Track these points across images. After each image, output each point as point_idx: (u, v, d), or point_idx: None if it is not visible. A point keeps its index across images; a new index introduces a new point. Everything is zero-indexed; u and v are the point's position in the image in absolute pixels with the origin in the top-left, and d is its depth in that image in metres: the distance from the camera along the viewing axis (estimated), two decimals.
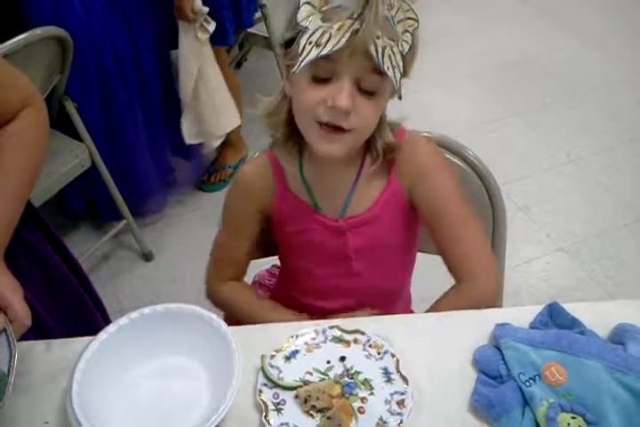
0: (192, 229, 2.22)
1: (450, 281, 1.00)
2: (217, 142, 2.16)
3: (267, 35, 2.25)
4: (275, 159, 1.00)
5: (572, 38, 3.13)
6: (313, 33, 0.77)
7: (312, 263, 1.06)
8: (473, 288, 0.95)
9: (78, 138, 1.75)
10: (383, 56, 0.77)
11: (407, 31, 0.80)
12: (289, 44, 0.83)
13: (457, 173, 1.07)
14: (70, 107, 1.70)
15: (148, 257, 2.11)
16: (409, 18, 0.80)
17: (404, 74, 0.83)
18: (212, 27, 1.85)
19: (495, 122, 2.65)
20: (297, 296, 1.11)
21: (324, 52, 0.76)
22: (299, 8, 0.78)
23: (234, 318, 1.09)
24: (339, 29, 0.76)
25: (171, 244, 2.17)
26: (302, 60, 0.78)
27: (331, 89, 0.81)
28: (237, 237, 1.07)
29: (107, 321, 1.22)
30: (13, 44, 1.39)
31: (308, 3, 0.78)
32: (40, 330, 0.93)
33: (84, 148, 1.76)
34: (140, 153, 1.99)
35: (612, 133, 2.57)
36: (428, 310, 0.98)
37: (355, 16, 0.75)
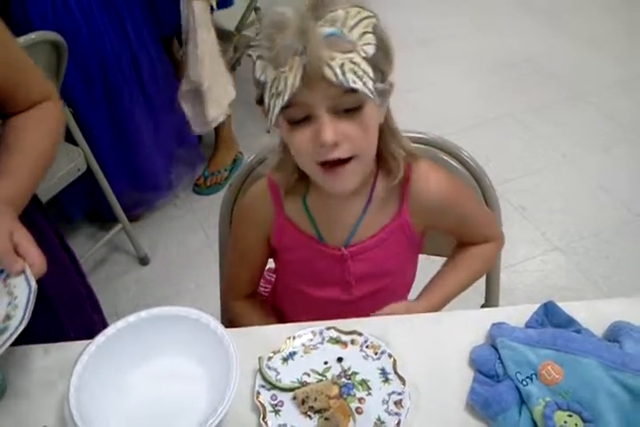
0: (188, 232, 2.22)
1: None
2: (226, 113, 2.16)
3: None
4: (274, 187, 0.97)
5: (568, 39, 3.14)
6: (271, 85, 0.75)
7: (310, 287, 1.04)
8: (494, 247, 1.08)
9: (74, 142, 1.75)
10: (344, 73, 0.72)
11: (367, 33, 0.75)
12: (260, 101, 0.80)
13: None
14: (66, 111, 1.70)
15: (143, 261, 2.11)
16: (363, 18, 0.76)
17: (385, 73, 0.79)
18: None
19: (491, 122, 2.66)
20: (290, 316, 1.11)
21: (285, 98, 0.73)
22: (254, 65, 0.77)
23: None
24: (290, 70, 0.73)
25: (166, 247, 2.17)
26: (271, 117, 0.76)
27: (311, 128, 0.78)
28: (245, 260, 1.07)
29: (103, 322, 1.25)
30: None
31: (259, 57, 0.76)
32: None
33: (80, 152, 1.76)
34: (144, 151, 2.01)
35: (607, 134, 2.58)
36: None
37: (300, 51, 0.72)
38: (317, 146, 0.78)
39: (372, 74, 0.75)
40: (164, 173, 2.15)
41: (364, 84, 0.74)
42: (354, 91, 0.74)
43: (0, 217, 0.79)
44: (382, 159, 0.91)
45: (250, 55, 0.77)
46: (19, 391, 0.80)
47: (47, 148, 0.94)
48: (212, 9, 1.96)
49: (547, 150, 2.51)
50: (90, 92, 1.78)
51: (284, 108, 0.75)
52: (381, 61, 0.78)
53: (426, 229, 1.01)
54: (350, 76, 0.73)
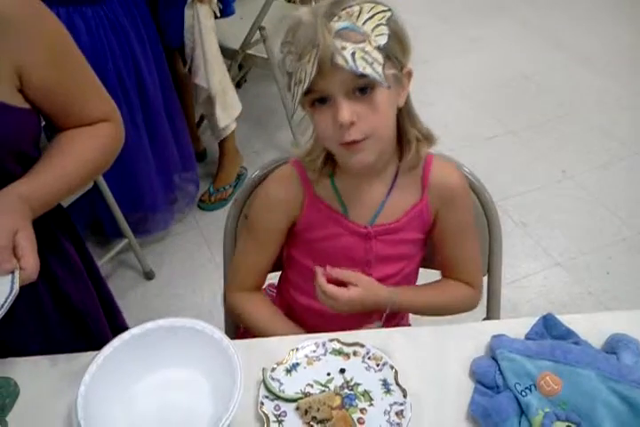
0: (192, 247, 2.23)
1: None
2: (234, 125, 2.24)
3: (266, 56, 2.29)
4: (302, 169, 1.03)
5: (566, 56, 3.18)
6: (294, 74, 0.83)
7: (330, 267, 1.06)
8: (473, 294, 1.11)
9: None
10: (355, 60, 0.80)
11: (380, 25, 0.83)
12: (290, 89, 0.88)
13: None
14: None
15: (149, 275, 2.12)
16: (378, 12, 0.84)
17: (400, 60, 0.87)
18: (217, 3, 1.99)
19: (491, 139, 2.68)
20: (301, 301, 1.12)
21: (305, 86, 0.81)
22: (284, 59, 0.86)
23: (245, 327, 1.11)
24: (309, 61, 0.81)
25: (171, 262, 2.19)
26: (295, 102, 0.85)
27: (330, 110, 0.86)
28: (263, 248, 1.09)
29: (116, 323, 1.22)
30: None
31: (288, 52, 0.85)
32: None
33: None
34: (145, 169, 2.02)
35: (607, 150, 2.60)
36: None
37: (317, 43, 0.80)
38: (336, 126, 0.85)
39: (381, 60, 0.82)
40: (163, 195, 2.15)
41: (374, 69, 0.81)
42: (364, 76, 0.81)
43: (11, 213, 0.78)
44: (403, 143, 0.98)
45: (281, 51, 0.86)
46: (28, 400, 0.82)
47: (91, 158, 0.93)
48: (215, 16, 2.02)
49: (547, 167, 2.53)
50: None
51: (306, 94, 0.83)
52: (395, 50, 0.86)
53: (434, 223, 1.06)
54: (360, 62, 0.80)
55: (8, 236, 0.76)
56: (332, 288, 0.95)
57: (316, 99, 0.86)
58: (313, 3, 2.67)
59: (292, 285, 1.15)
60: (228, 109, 2.16)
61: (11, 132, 0.84)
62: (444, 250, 1.09)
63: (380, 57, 0.82)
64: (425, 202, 1.03)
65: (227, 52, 2.35)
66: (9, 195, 0.80)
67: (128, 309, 2.00)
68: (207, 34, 1.98)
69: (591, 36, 3.33)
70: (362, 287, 0.97)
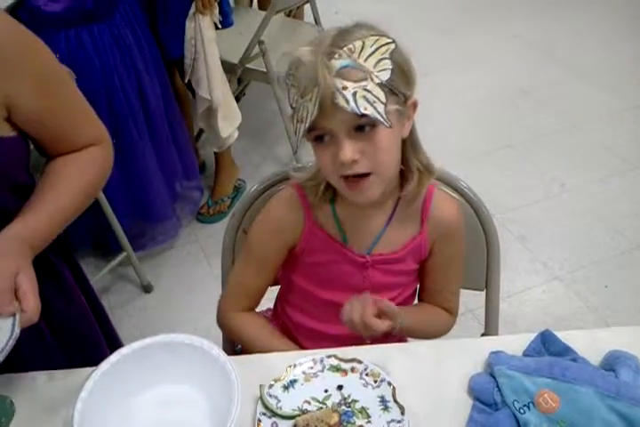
0: (191, 260, 2.23)
1: None
2: (236, 134, 2.26)
3: (265, 70, 2.31)
4: (303, 194, 1.02)
5: (564, 70, 3.20)
6: (297, 112, 0.84)
7: (325, 291, 1.07)
8: (450, 320, 1.14)
9: None
10: (356, 101, 0.79)
11: (383, 59, 0.83)
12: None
13: None
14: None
15: (147, 289, 2.12)
16: (381, 46, 0.83)
17: (405, 94, 0.86)
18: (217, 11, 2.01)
19: (490, 153, 2.69)
20: (297, 320, 1.12)
21: (307, 125, 0.82)
22: (288, 92, 0.86)
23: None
24: (310, 100, 0.81)
25: (170, 275, 2.19)
26: (296, 140, 0.84)
27: (332, 147, 0.86)
28: (261, 271, 1.08)
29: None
30: None
31: (292, 86, 0.85)
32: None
33: None
34: (152, 180, 2.04)
35: (606, 164, 2.61)
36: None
37: (319, 81, 0.80)
38: (338, 164, 0.86)
39: (383, 98, 0.81)
40: (168, 205, 2.17)
41: (375, 108, 0.80)
42: (365, 115, 0.81)
43: (11, 256, 0.79)
44: (405, 173, 0.98)
45: (286, 83, 0.86)
46: (24, 417, 0.81)
47: (84, 187, 0.93)
48: (216, 27, 2.04)
49: (545, 180, 2.54)
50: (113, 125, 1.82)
51: (308, 131, 0.84)
52: (399, 84, 0.85)
53: (429, 255, 1.07)
54: (361, 102, 0.80)
55: (9, 278, 0.76)
56: (376, 322, 0.92)
57: (318, 135, 0.86)
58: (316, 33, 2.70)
59: (288, 304, 1.14)
60: (229, 119, 2.18)
61: None
62: (430, 278, 1.11)
63: (382, 95, 0.81)
64: (424, 235, 1.03)
65: (226, 66, 2.36)
66: (8, 237, 0.81)
67: (126, 322, 2.01)
68: (209, 45, 2.00)
69: (590, 49, 3.35)
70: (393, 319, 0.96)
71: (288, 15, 2.88)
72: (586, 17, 3.64)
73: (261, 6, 2.92)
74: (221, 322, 1.12)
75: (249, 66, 2.34)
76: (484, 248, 1.20)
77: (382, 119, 0.81)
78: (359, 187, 0.89)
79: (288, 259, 1.09)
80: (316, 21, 2.81)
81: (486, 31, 3.55)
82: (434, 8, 3.79)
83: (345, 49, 0.82)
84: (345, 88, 0.80)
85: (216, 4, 1.96)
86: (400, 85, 0.85)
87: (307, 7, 2.81)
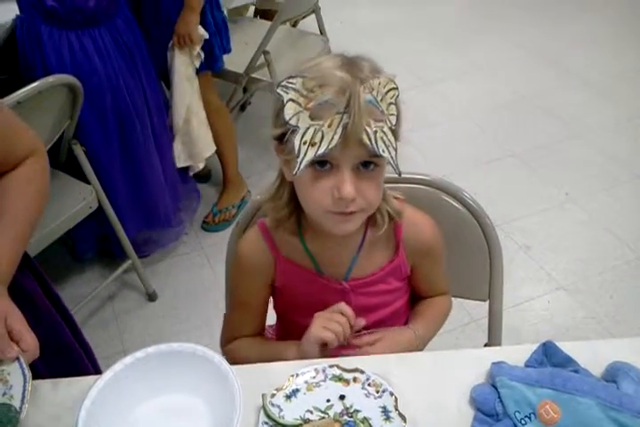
0: (196, 269, 2.24)
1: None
2: (202, 165, 2.25)
3: (270, 79, 2.33)
4: (267, 232, 1.02)
5: (568, 79, 3.21)
6: (305, 132, 0.79)
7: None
8: (448, 300, 1.17)
9: (85, 180, 1.80)
10: (377, 141, 0.79)
11: (391, 104, 0.82)
12: (280, 137, 0.85)
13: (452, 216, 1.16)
14: (78, 150, 1.76)
15: (152, 297, 2.13)
16: (390, 89, 0.81)
17: (397, 141, 0.85)
18: (202, 53, 2.00)
19: (494, 162, 2.70)
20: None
21: (320, 151, 0.78)
22: (283, 106, 0.80)
23: None
24: (329, 126, 0.78)
25: (174, 284, 2.19)
26: (301, 162, 0.80)
27: (333, 180, 0.83)
28: (247, 312, 1.09)
29: (96, 368, 1.23)
30: (27, 91, 1.45)
31: (291, 100, 0.80)
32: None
33: (92, 190, 1.80)
34: (157, 188, 2.06)
35: (610, 172, 2.61)
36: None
37: (342, 110, 0.77)
38: (335, 197, 0.84)
39: (395, 144, 0.82)
40: (173, 212, 2.19)
41: (389, 153, 0.81)
42: (377, 156, 0.81)
43: None
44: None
45: (279, 94, 0.81)
46: (29, 425, 0.82)
47: (36, 206, 0.94)
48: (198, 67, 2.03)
49: (550, 190, 2.54)
50: (104, 131, 1.83)
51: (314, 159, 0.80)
52: (398, 131, 0.84)
53: (411, 271, 1.08)
54: (380, 144, 0.80)
55: (1, 324, 0.78)
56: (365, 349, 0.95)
57: (318, 162, 0.83)
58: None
59: (287, 334, 1.14)
60: (191, 154, 2.18)
61: None
62: (419, 286, 1.12)
63: (393, 140, 0.81)
64: (402, 257, 1.03)
65: (231, 76, 2.39)
66: None
67: (130, 329, 2.02)
68: (179, 80, 2.00)
69: (594, 58, 3.36)
70: (386, 343, 0.98)
71: (293, 25, 2.90)
72: (589, 26, 3.66)
73: (264, 18, 2.94)
74: (225, 355, 1.12)
75: (254, 75, 2.37)
76: (487, 259, 1.20)
77: (395, 165, 0.81)
78: (346, 221, 0.88)
79: (273, 293, 1.09)
80: (321, 32, 2.84)
81: (490, 40, 3.58)
82: (436, 18, 3.82)
83: (372, 83, 0.80)
84: (368, 125, 0.79)
85: (195, 46, 1.95)
86: (398, 132, 0.84)
87: (311, 18, 2.83)
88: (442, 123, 2.95)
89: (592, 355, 0.89)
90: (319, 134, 0.78)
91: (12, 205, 0.91)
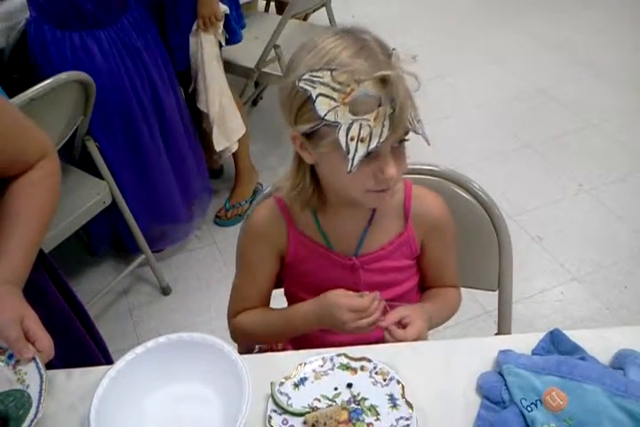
0: (209, 263, 2.26)
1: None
2: (235, 146, 2.25)
3: (281, 74, 2.33)
4: (283, 205, 1.03)
5: (583, 69, 3.18)
6: (349, 128, 0.79)
7: None
8: (458, 293, 1.16)
9: (99, 176, 1.82)
10: (414, 121, 0.82)
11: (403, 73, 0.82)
12: (309, 135, 0.85)
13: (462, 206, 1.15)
14: (92, 146, 1.78)
15: (165, 291, 2.15)
16: (399, 60, 0.83)
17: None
18: (224, 30, 2.03)
19: (507, 153, 2.68)
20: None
21: (372, 146, 0.79)
22: (313, 100, 0.79)
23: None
24: (375, 119, 0.78)
25: (188, 278, 2.22)
26: (353, 159, 0.80)
27: (376, 164, 0.85)
28: (254, 281, 1.10)
29: (108, 362, 1.25)
30: (40, 88, 1.47)
31: (322, 95, 0.79)
32: None
33: (105, 185, 1.82)
34: (165, 185, 2.07)
35: (623, 163, 2.59)
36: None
37: (385, 101, 0.78)
38: (379, 180, 0.86)
39: (419, 117, 0.83)
40: (184, 208, 2.20)
41: (422, 129, 0.83)
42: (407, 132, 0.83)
43: (10, 304, 0.82)
44: None
45: (302, 88, 0.80)
46: (43, 413, 0.83)
47: (48, 209, 0.96)
48: (220, 45, 2.05)
49: (563, 180, 2.52)
50: (109, 130, 1.84)
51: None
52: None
53: (421, 250, 1.08)
54: (415, 122, 0.82)
55: (18, 327, 0.80)
56: (400, 334, 0.94)
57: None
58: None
59: None
60: (226, 134, 2.18)
61: None
62: (429, 271, 1.12)
63: (417, 112, 0.83)
64: (410, 231, 1.04)
65: (242, 71, 2.39)
66: None
67: (145, 323, 2.05)
68: (209, 61, 2.01)
69: (608, 48, 3.32)
70: (419, 323, 0.96)
71: (304, 19, 2.90)
72: (605, 16, 3.61)
73: (279, 12, 2.94)
74: (231, 330, 1.14)
75: (265, 70, 2.37)
76: (497, 248, 1.20)
77: (426, 138, 0.83)
78: (387, 196, 0.91)
79: (283, 271, 1.10)
80: (332, 25, 2.83)
81: (503, 31, 3.55)
82: (448, 10, 3.79)
83: (391, 65, 0.81)
84: (407, 110, 0.80)
85: (219, 24, 1.97)
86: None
87: (322, 11, 2.82)
88: (454, 115, 2.93)
89: (600, 343, 0.89)
90: (367, 129, 0.79)
91: (25, 210, 0.93)
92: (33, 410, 0.75)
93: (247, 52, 2.30)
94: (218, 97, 2.06)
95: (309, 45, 0.85)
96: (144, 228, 2.02)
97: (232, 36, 2.12)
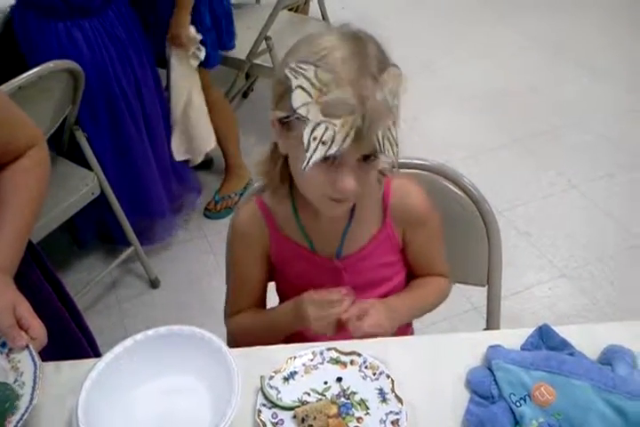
0: (198, 256, 2.25)
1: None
2: (200, 158, 2.24)
3: (272, 65, 2.32)
4: (264, 207, 1.04)
5: (572, 67, 3.19)
6: (315, 127, 0.79)
7: None
8: (446, 282, 1.14)
9: (88, 166, 1.81)
10: (384, 142, 0.81)
11: (395, 95, 0.81)
12: (283, 119, 0.84)
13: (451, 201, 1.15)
14: (80, 136, 1.76)
15: (154, 284, 2.14)
16: (399, 82, 0.81)
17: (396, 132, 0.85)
18: (202, 54, 1.96)
19: (496, 148, 2.69)
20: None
21: (331, 151, 0.79)
22: (292, 91, 0.79)
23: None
24: (343, 126, 0.78)
25: (177, 270, 2.21)
26: (310, 158, 0.80)
27: (336, 173, 0.84)
28: (245, 281, 1.10)
29: (97, 354, 1.25)
30: (28, 76, 1.45)
31: (301, 88, 0.79)
32: None
33: (94, 176, 1.81)
34: (148, 177, 2.05)
35: (612, 159, 2.60)
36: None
37: (357, 112, 0.77)
38: (336, 189, 0.85)
39: (396, 139, 0.82)
40: (167, 200, 2.18)
41: (393, 151, 0.83)
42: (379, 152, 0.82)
43: (1, 288, 0.82)
44: None
45: (287, 76, 0.79)
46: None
47: (38, 197, 0.96)
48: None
49: (552, 176, 2.53)
50: (93, 119, 1.83)
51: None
52: (397, 118, 0.84)
53: (404, 243, 1.07)
54: (387, 144, 0.81)
55: (10, 315, 0.80)
56: (356, 325, 0.93)
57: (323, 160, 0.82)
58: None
59: None
60: (189, 144, 2.15)
61: None
62: (415, 263, 1.11)
63: (396, 134, 0.82)
64: (389, 226, 1.03)
65: (233, 62, 2.38)
66: None
67: (134, 316, 2.04)
68: (176, 78, 1.98)
69: (600, 46, 3.32)
70: (375, 315, 0.95)
71: (295, 11, 2.89)
72: (599, 14, 3.62)
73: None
74: (228, 330, 1.14)
75: (256, 61, 2.36)
76: (486, 243, 1.21)
77: (397, 163, 0.84)
78: (339, 206, 0.91)
79: (272, 271, 1.11)
80: (323, 17, 2.82)
81: (496, 26, 3.55)
82: (442, 2, 3.78)
83: (383, 77, 0.80)
84: (379, 127, 0.80)
85: (190, 47, 1.92)
86: (397, 122, 0.85)
87: (313, 3, 2.81)
88: (444, 108, 2.93)
89: (588, 338, 0.89)
90: (330, 133, 0.78)
91: (15, 198, 0.93)
92: (27, 397, 0.75)
93: (239, 43, 2.28)
94: (180, 108, 2.03)
95: (312, 37, 0.85)
96: (132, 219, 2.01)
97: (205, 61, 2.05)
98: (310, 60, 0.80)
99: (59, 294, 1.16)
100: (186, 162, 2.25)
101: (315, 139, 0.79)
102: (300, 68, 0.79)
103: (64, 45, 1.69)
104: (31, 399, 0.75)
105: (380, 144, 0.80)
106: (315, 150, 0.79)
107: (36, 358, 0.79)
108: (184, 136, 2.12)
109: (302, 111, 0.79)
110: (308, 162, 0.80)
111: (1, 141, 0.92)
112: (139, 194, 2.06)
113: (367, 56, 0.81)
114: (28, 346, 0.80)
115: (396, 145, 0.83)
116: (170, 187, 2.18)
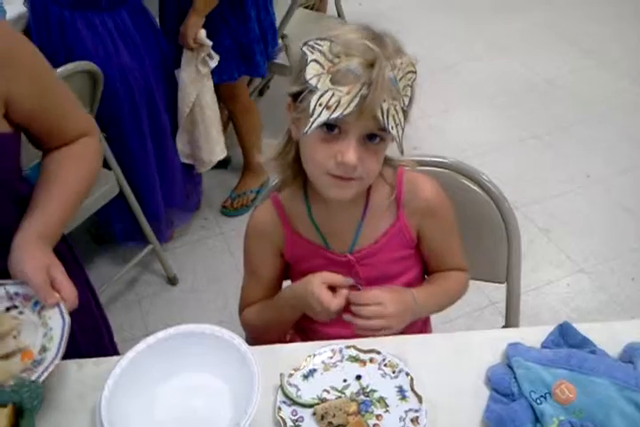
0: (216, 253, 2.27)
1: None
2: (205, 169, 2.22)
3: (288, 64, 2.32)
4: (279, 205, 1.05)
5: (592, 60, 3.16)
6: (322, 94, 0.81)
7: None
8: (465, 276, 1.13)
9: (107, 166, 1.82)
10: (388, 117, 0.82)
11: (408, 85, 0.85)
12: (296, 95, 0.87)
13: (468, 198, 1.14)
14: (100, 137, 1.77)
15: (173, 281, 2.16)
16: (409, 72, 0.84)
17: (405, 122, 0.87)
18: (214, 62, 1.91)
19: (514, 144, 2.67)
20: (309, 325, 1.14)
21: (334, 115, 0.81)
22: (306, 64, 0.82)
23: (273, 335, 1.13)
24: (348, 93, 0.80)
25: (195, 268, 2.22)
26: (313, 122, 0.82)
27: (339, 146, 0.86)
28: (260, 279, 1.11)
29: (114, 349, 1.29)
30: None
31: (315, 61, 0.82)
32: None
33: (113, 175, 1.83)
34: (150, 179, 2.04)
35: (630, 154, 2.57)
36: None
37: (363, 81, 0.80)
38: (338, 161, 0.86)
39: (403, 124, 0.85)
40: (167, 200, 2.15)
41: (397, 132, 0.84)
42: (385, 130, 0.83)
43: (38, 251, 0.85)
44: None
45: (304, 52, 0.83)
46: (54, 403, 0.84)
47: (84, 184, 0.99)
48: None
49: (571, 172, 2.51)
50: (115, 119, 1.84)
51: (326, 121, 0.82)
52: (408, 112, 0.87)
53: (419, 237, 1.07)
54: (391, 121, 0.83)
55: (45, 273, 0.83)
56: (361, 323, 0.93)
57: (328, 125, 0.85)
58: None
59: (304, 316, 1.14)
60: (195, 153, 2.14)
61: None
62: (432, 258, 1.11)
63: (403, 120, 0.84)
64: (402, 220, 1.03)
65: None
66: (30, 236, 0.87)
67: (152, 313, 2.06)
68: (184, 84, 1.93)
69: (616, 39, 3.29)
70: (388, 303, 0.95)
71: (311, 8, 2.88)
72: (612, 7, 3.58)
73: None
74: (242, 323, 1.15)
75: (274, 61, 2.36)
76: (505, 241, 1.20)
77: (399, 143, 0.84)
78: (343, 186, 0.90)
79: (288, 269, 1.12)
80: (339, 14, 2.82)
81: (509, 21, 3.52)
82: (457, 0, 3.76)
83: (397, 62, 0.82)
84: (384, 101, 0.81)
85: (200, 53, 1.88)
86: (409, 113, 0.87)
87: (330, 0, 2.81)
88: (462, 104, 2.92)
89: (609, 336, 0.89)
90: (335, 99, 0.81)
91: (65, 175, 0.96)
92: (54, 350, 0.79)
93: None
94: (186, 112, 1.99)
95: (334, 27, 0.87)
96: (151, 217, 2.01)
97: (253, 70, 2.07)
98: (327, 37, 0.83)
99: (87, 285, 1.19)
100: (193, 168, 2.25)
101: (320, 104, 0.81)
102: (317, 44, 0.83)
103: (67, 33, 1.69)
104: (57, 352, 0.78)
105: (383, 118, 0.82)
106: (319, 115, 0.81)
107: (66, 317, 0.82)
108: (188, 141, 2.11)
109: (313, 82, 0.82)
110: (311, 125, 0.82)
111: (49, 126, 0.95)
112: (164, 188, 2.07)
113: (382, 40, 0.84)
114: (58, 305, 0.83)
115: (402, 129, 0.84)
116: (172, 188, 2.17)
